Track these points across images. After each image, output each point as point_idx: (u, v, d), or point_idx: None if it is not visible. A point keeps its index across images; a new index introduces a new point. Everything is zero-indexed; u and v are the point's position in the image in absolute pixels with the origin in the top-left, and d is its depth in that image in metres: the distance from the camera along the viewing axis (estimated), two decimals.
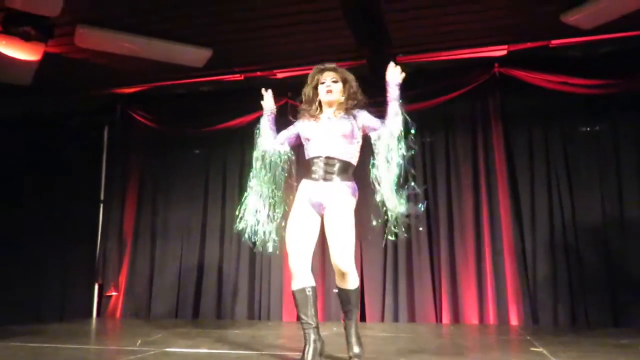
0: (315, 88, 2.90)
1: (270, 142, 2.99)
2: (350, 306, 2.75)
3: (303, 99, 2.94)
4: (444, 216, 5.17)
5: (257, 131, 3.04)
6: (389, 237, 2.76)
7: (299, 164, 3.03)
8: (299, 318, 2.72)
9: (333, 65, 2.93)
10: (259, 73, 5.25)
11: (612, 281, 4.64)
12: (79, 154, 5.96)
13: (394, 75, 2.78)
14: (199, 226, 5.86)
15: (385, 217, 2.74)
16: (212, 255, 5.76)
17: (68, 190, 5.70)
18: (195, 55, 4.61)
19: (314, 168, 2.79)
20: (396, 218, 2.72)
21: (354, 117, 2.83)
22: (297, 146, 3.00)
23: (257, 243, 2.91)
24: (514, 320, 4.82)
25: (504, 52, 4.89)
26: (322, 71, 2.90)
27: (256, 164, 2.99)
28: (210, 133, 5.75)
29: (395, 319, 5.10)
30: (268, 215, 2.93)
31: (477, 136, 5.24)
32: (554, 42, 4.67)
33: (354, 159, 2.83)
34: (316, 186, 2.76)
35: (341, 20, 4.04)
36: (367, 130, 2.83)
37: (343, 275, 2.68)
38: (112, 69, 4.99)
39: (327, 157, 2.77)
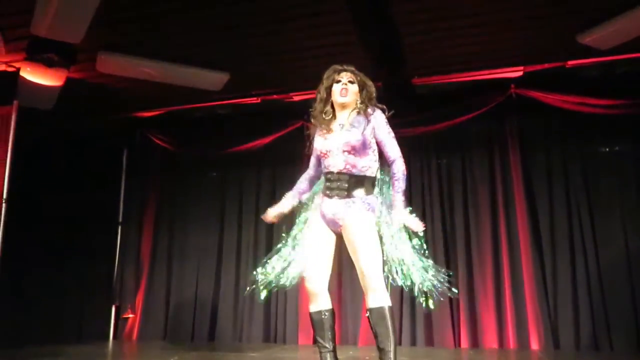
0: (330, 88, 2.73)
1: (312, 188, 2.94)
2: (381, 328, 2.42)
3: (316, 99, 2.79)
4: (461, 238, 5.11)
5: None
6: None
7: None
8: (315, 341, 2.67)
9: (352, 67, 2.77)
10: (275, 96, 5.31)
11: (635, 304, 4.53)
12: (98, 176, 6.04)
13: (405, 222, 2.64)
14: (216, 248, 5.87)
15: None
16: (228, 278, 5.76)
17: (87, 213, 5.77)
18: (212, 79, 4.69)
19: (327, 184, 2.68)
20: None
21: (368, 121, 2.65)
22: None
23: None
24: (534, 345, 4.71)
25: (520, 73, 4.88)
26: (339, 71, 2.74)
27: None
28: (227, 155, 5.80)
29: (413, 342, 5.02)
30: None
31: (494, 158, 5.20)
32: (571, 62, 4.66)
33: (370, 171, 2.65)
34: (330, 203, 2.64)
35: (357, 44, 4.08)
36: (379, 144, 2.68)
37: (369, 292, 2.49)
38: (131, 93, 5.09)
39: (339, 172, 2.62)
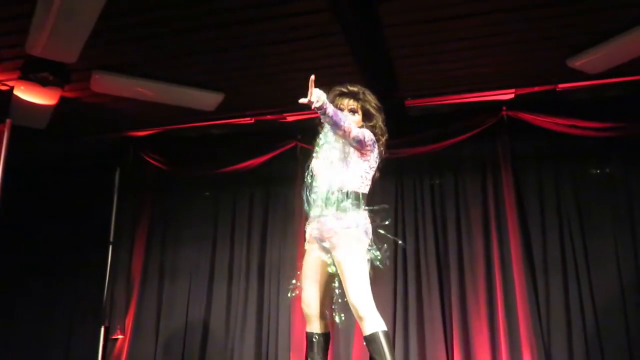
0: None
1: None
2: (377, 355, 2.40)
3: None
4: (454, 259, 5.10)
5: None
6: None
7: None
8: None
9: (357, 88, 2.70)
10: (269, 117, 5.33)
11: (628, 326, 4.53)
12: (90, 196, 6.01)
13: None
14: (207, 268, 5.82)
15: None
16: (219, 298, 5.70)
17: (78, 232, 5.73)
18: (207, 99, 4.70)
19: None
20: None
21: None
22: None
23: None
24: None
25: (512, 96, 4.93)
26: (343, 95, 2.68)
27: None
28: (220, 175, 5.79)
29: None
30: None
31: (487, 179, 5.22)
32: (561, 85, 4.72)
33: (351, 185, 2.61)
34: (317, 223, 2.66)
35: (351, 66, 4.13)
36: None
37: (359, 321, 2.49)
38: (125, 112, 5.10)
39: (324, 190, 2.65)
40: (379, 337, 2.42)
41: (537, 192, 5.08)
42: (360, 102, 2.71)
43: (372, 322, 2.45)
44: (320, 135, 2.79)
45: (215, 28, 3.84)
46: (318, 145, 2.79)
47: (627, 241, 4.71)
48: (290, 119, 5.30)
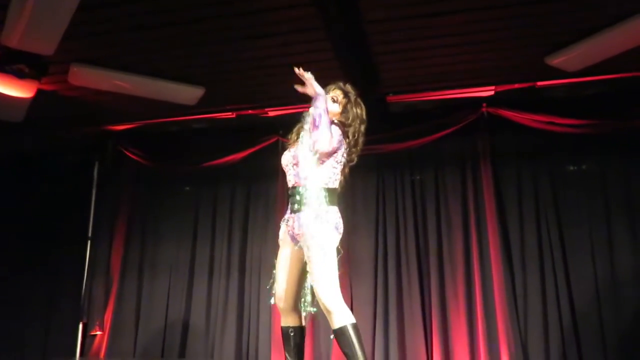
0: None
1: None
2: (346, 349, 2.42)
3: None
4: (434, 255, 5.15)
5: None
6: None
7: None
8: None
9: (352, 90, 2.82)
10: (250, 111, 5.31)
11: (601, 319, 4.62)
12: (69, 190, 5.93)
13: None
14: (187, 264, 5.79)
15: None
16: (199, 294, 5.68)
17: (55, 227, 5.66)
18: (187, 93, 4.65)
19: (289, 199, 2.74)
20: None
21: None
22: None
23: None
24: None
25: (492, 93, 4.98)
26: (337, 87, 2.81)
27: None
28: (201, 170, 5.76)
29: (386, 358, 5.02)
30: None
31: (467, 175, 5.28)
32: (540, 83, 4.78)
33: (322, 182, 2.63)
34: (289, 219, 2.69)
35: (333, 61, 4.12)
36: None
37: (327, 315, 2.50)
38: (104, 106, 5.02)
39: (293, 187, 2.68)
40: (347, 330, 2.44)
41: (516, 188, 5.15)
42: (345, 99, 2.80)
43: (340, 315, 2.47)
44: (294, 131, 2.84)
45: (196, 22, 3.80)
46: (292, 139, 2.84)
47: (602, 235, 4.81)
48: (272, 114, 5.29)
